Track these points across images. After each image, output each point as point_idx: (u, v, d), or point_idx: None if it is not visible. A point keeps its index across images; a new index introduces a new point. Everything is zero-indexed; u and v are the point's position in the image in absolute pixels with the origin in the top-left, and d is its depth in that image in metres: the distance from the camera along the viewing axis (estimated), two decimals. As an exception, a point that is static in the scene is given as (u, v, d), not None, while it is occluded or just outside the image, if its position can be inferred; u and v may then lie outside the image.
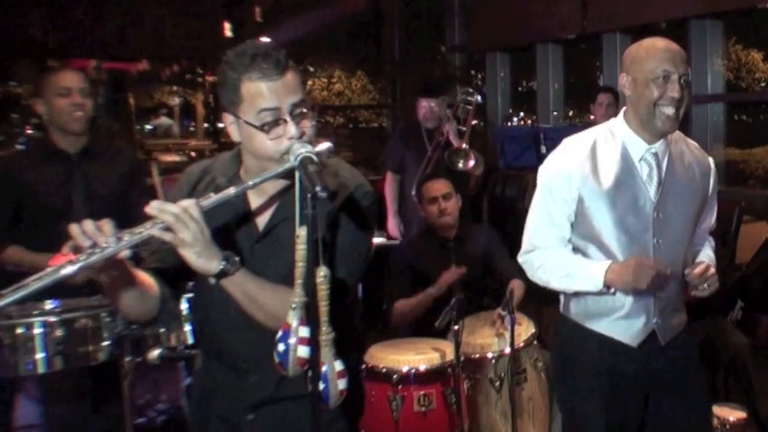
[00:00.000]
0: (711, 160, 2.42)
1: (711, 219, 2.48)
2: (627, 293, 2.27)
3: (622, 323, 2.31)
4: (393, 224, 5.06)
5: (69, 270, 1.44)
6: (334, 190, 1.71)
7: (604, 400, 2.33)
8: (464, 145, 4.60)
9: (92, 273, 1.53)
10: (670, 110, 2.19)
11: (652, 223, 2.26)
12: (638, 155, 2.27)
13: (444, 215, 3.76)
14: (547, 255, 2.33)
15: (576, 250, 2.33)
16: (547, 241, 2.33)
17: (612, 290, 2.25)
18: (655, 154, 2.27)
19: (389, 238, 4.95)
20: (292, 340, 1.57)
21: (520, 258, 2.41)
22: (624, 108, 2.33)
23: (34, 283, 1.42)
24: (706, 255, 2.47)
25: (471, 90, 4.94)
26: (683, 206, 2.30)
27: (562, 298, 2.44)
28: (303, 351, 1.57)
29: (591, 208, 2.25)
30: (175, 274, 1.80)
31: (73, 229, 1.50)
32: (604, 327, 2.33)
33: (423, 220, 4.10)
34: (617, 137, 2.29)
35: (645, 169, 2.27)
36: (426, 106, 4.79)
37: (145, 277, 1.74)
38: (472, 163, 4.55)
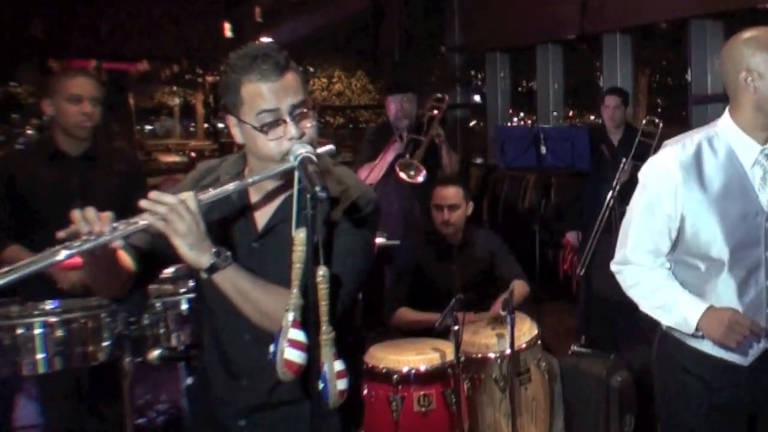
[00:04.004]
0: None
1: None
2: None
3: None
4: None
5: (63, 255, 1.45)
6: (338, 196, 1.71)
7: (716, 419, 2.17)
8: (416, 161, 4.45)
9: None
10: None
11: (764, 236, 2.08)
12: (751, 158, 2.08)
13: (447, 225, 3.68)
14: (643, 276, 2.18)
15: (687, 266, 2.16)
16: (644, 258, 2.17)
17: (701, 333, 2.09)
18: None
19: (389, 238, 4.91)
20: (282, 342, 1.56)
21: (614, 267, 2.25)
22: (728, 107, 2.13)
23: (26, 267, 1.41)
24: None
25: (440, 96, 4.82)
26: None
27: None
28: (295, 356, 1.56)
29: (698, 223, 2.08)
30: (153, 259, 1.79)
31: (75, 214, 1.50)
32: (710, 347, 2.15)
33: (419, 221, 4.01)
34: (723, 140, 2.10)
35: (758, 173, 2.08)
36: (397, 103, 4.70)
37: (124, 256, 1.73)
38: (420, 178, 4.42)
